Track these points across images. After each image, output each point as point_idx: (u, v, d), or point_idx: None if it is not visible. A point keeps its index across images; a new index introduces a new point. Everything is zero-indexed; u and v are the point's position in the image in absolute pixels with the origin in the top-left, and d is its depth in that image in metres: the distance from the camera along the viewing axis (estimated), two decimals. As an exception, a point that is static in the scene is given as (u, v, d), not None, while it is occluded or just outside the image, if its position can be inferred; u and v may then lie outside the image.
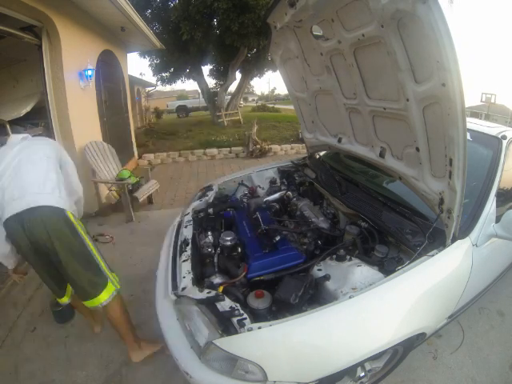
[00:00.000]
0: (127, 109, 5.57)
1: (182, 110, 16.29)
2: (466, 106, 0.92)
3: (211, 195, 1.99)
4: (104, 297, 1.36)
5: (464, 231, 1.24)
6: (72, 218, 1.35)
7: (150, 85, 13.73)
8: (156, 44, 5.39)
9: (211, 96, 10.31)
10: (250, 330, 0.97)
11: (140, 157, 6.26)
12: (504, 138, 1.57)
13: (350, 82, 1.49)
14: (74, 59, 3.25)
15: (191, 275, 1.29)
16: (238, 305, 1.07)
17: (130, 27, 4.13)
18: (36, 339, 1.78)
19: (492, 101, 15.87)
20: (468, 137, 1.00)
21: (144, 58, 9.32)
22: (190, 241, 1.53)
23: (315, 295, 1.17)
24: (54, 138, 3.14)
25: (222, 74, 10.64)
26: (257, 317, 1.07)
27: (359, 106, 1.54)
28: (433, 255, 1.16)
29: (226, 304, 1.08)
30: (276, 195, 1.90)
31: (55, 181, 1.37)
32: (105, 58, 4.21)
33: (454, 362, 1.60)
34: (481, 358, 1.63)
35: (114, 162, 3.69)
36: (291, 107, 3.02)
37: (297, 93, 2.09)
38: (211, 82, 12.41)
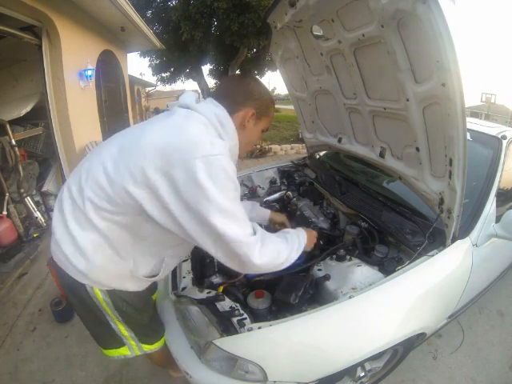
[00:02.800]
0: (127, 109, 5.55)
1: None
2: (466, 106, 0.92)
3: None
4: (113, 353, 1.07)
5: (464, 231, 1.24)
6: None
7: (150, 85, 13.73)
8: (156, 44, 5.38)
9: (211, 96, 10.29)
10: (250, 329, 0.96)
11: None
12: (504, 137, 1.57)
13: (350, 81, 1.48)
14: (73, 59, 3.25)
15: (191, 275, 1.29)
16: (238, 305, 1.07)
17: (130, 27, 4.12)
18: (36, 339, 1.78)
19: (492, 101, 15.89)
20: (468, 137, 1.00)
21: (144, 57, 9.31)
22: (189, 241, 1.52)
23: (315, 295, 1.16)
24: (54, 138, 3.15)
25: (222, 74, 10.62)
26: (257, 317, 1.07)
27: (359, 106, 1.53)
28: (433, 255, 1.16)
29: (225, 304, 1.08)
30: (276, 195, 1.90)
31: None
32: (105, 58, 4.20)
33: (454, 362, 1.60)
34: (481, 358, 1.63)
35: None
36: (291, 107, 3.01)
37: (297, 93, 2.09)
38: (211, 82, 12.38)
